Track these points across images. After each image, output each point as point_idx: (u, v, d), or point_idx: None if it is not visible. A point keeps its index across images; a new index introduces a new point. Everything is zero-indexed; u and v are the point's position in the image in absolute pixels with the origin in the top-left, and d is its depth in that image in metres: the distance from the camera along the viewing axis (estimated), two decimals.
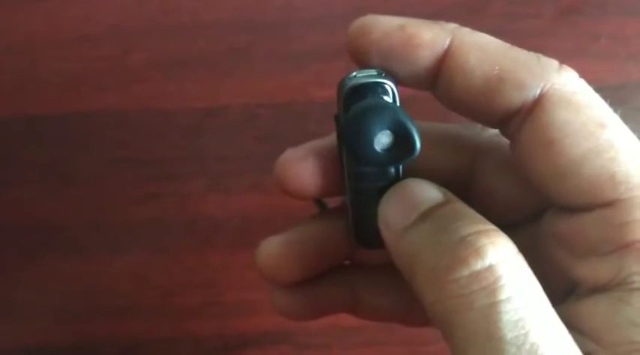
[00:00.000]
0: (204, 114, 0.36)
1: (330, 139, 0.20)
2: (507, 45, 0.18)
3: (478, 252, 0.15)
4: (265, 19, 0.37)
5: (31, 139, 0.36)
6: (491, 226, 0.16)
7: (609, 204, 0.17)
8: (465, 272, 0.15)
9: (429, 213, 0.17)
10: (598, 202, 0.17)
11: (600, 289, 0.17)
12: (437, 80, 0.18)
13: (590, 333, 0.17)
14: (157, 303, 0.35)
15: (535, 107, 0.17)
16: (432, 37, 0.18)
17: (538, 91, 0.17)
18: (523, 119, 0.17)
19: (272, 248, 0.21)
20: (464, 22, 0.37)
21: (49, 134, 0.36)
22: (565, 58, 0.35)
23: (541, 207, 0.19)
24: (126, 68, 0.37)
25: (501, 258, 0.15)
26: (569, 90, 0.17)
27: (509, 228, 0.21)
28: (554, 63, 0.18)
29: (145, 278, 0.35)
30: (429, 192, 0.18)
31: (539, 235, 0.19)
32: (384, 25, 0.18)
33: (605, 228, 0.17)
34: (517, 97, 0.17)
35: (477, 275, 0.15)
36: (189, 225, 0.35)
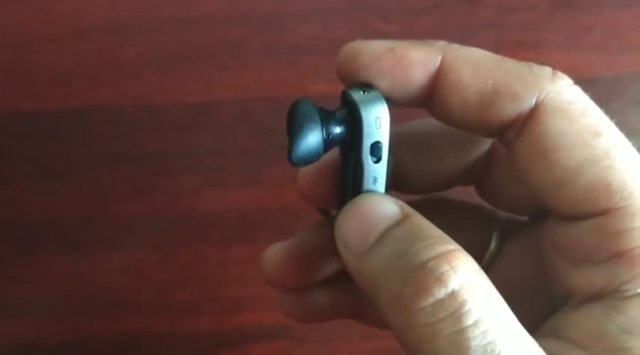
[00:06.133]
0: (198, 108, 0.36)
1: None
2: (499, 57, 0.18)
3: (440, 280, 0.15)
4: (259, 13, 0.37)
5: (24, 135, 0.36)
6: (451, 246, 0.16)
7: (604, 212, 0.17)
8: (430, 300, 0.15)
9: (388, 235, 0.17)
10: (594, 211, 0.17)
11: (594, 298, 0.17)
12: (431, 98, 0.18)
13: (579, 341, 0.17)
14: (153, 299, 0.35)
15: (531, 117, 0.17)
16: (422, 57, 0.18)
17: (533, 101, 0.17)
18: (519, 129, 0.18)
19: (275, 254, 0.21)
20: (458, 14, 0.37)
21: (42, 130, 0.36)
22: (559, 50, 0.35)
23: (544, 210, 0.19)
24: (119, 63, 0.37)
25: (464, 282, 0.15)
26: (564, 99, 0.17)
27: (520, 225, 0.21)
28: (548, 70, 0.18)
29: (140, 274, 0.35)
30: (385, 209, 0.17)
31: (542, 241, 0.19)
32: (373, 49, 0.18)
33: (600, 236, 0.17)
34: (512, 109, 0.17)
35: (442, 303, 0.15)
36: (185, 221, 0.35)
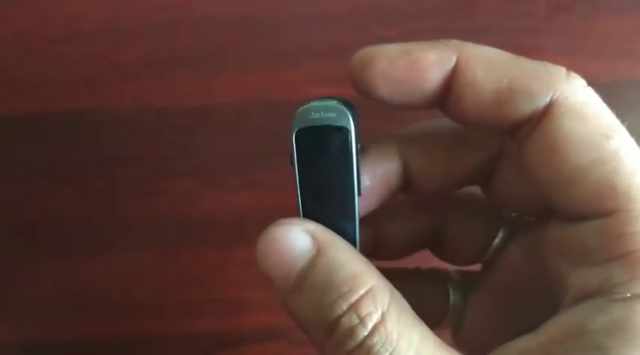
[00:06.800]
0: (197, 111, 0.36)
1: None
2: (513, 56, 0.18)
3: (351, 334, 0.17)
4: (258, 16, 0.37)
5: (23, 137, 0.36)
6: (361, 290, 0.17)
7: (609, 213, 0.17)
8: (345, 351, 0.17)
9: (305, 279, 0.17)
10: (598, 211, 0.17)
11: (585, 298, 0.17)
12: (446, 98, 0.18)
13: (559, 338, 0.17)
14: (152, 301, 0.35)
15: (545, 115, 0.17)
16: (438, 57, 0.18)
17: (548, 99, 0.17)
18: (533, 127, 0.18)
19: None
20: (457, 19, 0.37)
21: (41, 132, 0.36)
22: (557, 55, 0.36)
23: (549, 210, 0.19)
24: (118, 66, 0.37)
25: (372, 327, 0.17)
26: (577, 100, 0.17)
27: (526, 224, 0.22)
28: (562, 70, 0.18)
29: (139, 275, 0.35)
30: (298, 244, 0.18)
31: (544, 242, 0.20)
32: (388, 53, 0.18)
33: (602, 237, 0.17)
34: (528, 106, 0.17)
35: (355, 352, 0.17)
36: (184, 223, 0.35)
